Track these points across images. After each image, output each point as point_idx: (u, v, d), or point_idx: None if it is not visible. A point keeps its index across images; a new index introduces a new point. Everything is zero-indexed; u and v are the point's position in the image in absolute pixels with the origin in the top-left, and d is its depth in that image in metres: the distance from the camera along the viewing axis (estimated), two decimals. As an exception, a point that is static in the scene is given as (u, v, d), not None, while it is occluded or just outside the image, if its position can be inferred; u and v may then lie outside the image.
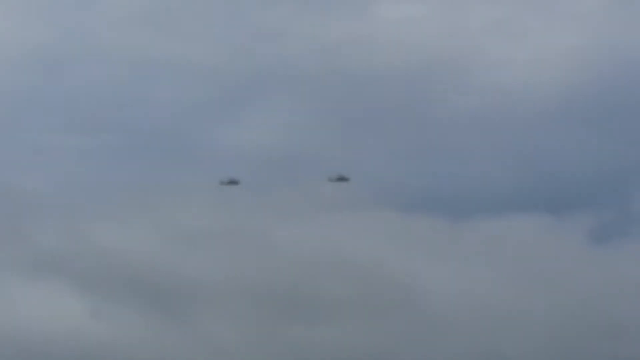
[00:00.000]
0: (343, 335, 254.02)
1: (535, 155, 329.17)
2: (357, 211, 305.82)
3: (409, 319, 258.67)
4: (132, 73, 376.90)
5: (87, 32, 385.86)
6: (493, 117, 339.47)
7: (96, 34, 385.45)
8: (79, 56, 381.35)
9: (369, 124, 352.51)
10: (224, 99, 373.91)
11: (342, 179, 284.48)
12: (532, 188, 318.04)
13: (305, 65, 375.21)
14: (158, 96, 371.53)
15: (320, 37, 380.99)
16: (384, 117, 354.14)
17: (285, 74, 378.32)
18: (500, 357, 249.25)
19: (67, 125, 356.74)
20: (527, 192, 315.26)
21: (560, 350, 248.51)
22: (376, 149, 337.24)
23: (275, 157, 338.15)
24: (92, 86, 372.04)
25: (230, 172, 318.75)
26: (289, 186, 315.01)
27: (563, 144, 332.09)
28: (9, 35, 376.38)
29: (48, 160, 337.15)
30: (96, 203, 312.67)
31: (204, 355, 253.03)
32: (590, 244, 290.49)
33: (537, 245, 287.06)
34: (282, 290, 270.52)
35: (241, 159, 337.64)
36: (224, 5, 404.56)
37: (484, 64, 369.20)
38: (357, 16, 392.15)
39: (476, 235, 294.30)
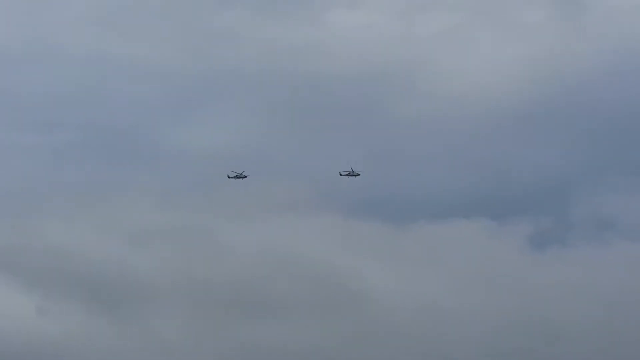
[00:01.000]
0: (290, 334, 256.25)
1: (479, 162, 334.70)
2: (306, 213, 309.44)
3: (355, 319, 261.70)
4: (86, 73, 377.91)
5: (42, 32, 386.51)
6: (439, 124, 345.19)
7: (52, 34, 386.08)
8: (33, 55, 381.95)
9: (320, 128, 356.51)
10: (179, 100, 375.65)
11: (352, 174, 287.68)
12: (475, 194, 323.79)
13: (260, 68, 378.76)
14: (112, 96, 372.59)
15: (275, 41, 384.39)
16: (335, 122, 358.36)
17: (240, 77, 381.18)
18: (443, 356, 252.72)
19: (19, 123, 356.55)
20: (471, 198, 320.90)
21: (500, 350, 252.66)
22: (325, 153, 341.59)
23: (226, 158, 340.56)
24: (46, 85, 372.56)
25: (181, 173, 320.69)
26: (238, 186, 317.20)
27: (506, 151, 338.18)
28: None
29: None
30: (45, 201, 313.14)
31: (150, 353, 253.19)
32: (529, 249, 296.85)
33: (479, 250, 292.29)
34: (230, 288, 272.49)
35: (193, 159, 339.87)
36: (180, 8, 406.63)
37: (433, 72, 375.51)
38: (311, 22, 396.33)
39: (421, 239, 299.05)
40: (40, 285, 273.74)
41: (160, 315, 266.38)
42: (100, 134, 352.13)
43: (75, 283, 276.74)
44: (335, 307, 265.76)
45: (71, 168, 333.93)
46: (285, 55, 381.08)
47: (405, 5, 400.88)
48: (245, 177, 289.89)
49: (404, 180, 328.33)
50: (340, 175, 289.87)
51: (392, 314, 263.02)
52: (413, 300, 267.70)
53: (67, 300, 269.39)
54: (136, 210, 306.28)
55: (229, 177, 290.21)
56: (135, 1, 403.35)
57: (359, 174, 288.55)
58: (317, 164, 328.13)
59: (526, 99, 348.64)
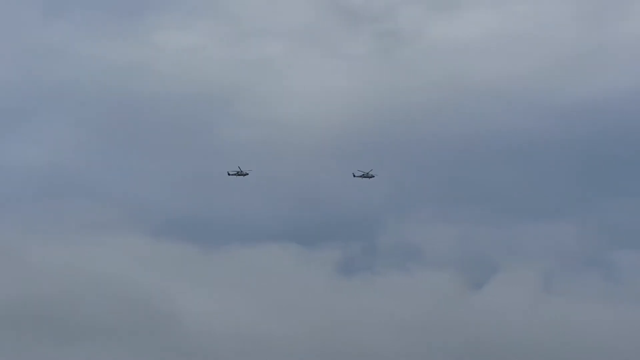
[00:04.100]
0: (97, 355, 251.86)
1: (291, 187, 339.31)
2: (116, 233, 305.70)
3: (163, 341, 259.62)
4: None
5: None
6: (258, 149, 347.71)
7: None
8: None
9: (140, 147, 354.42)
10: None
11: (367, 175, 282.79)
12: (286, 219, 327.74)
13: (83, 85, 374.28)
14: None
15: (101, 58, 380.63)
16: (156, 142, 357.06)
17: (62, 93, 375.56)
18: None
19: None
20: (282, 223, 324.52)
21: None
22: (141, 172, 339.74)
23: (40, 174, 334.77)
24: None
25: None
26: (48, 204, 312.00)
27: (318, 178, 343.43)
28: None
29: None
30: None
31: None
32: (338, 276, 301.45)
33: (288, 275, 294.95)
34: (35, 308, 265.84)
35: (3, 175, 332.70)
36: (4, 20, 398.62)
37: (257, 98, 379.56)
38: (139, 41, 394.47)
39: (231, 262, 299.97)
40: None
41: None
42: None
43: None
44: (143, 329, 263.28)
45: None
46: (110, 73, 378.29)
47: (233, 30, 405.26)
48: (247, 174, 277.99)
49: (216, 202, 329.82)
50: (354, 176, 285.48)
51: (201, 337, 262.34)
52: (222, 323, 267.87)
53: None
54: None
55: (229, 175, 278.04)
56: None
57: (373, 176, 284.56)
58: (131, 184, 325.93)
59: (342, 129, 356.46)
